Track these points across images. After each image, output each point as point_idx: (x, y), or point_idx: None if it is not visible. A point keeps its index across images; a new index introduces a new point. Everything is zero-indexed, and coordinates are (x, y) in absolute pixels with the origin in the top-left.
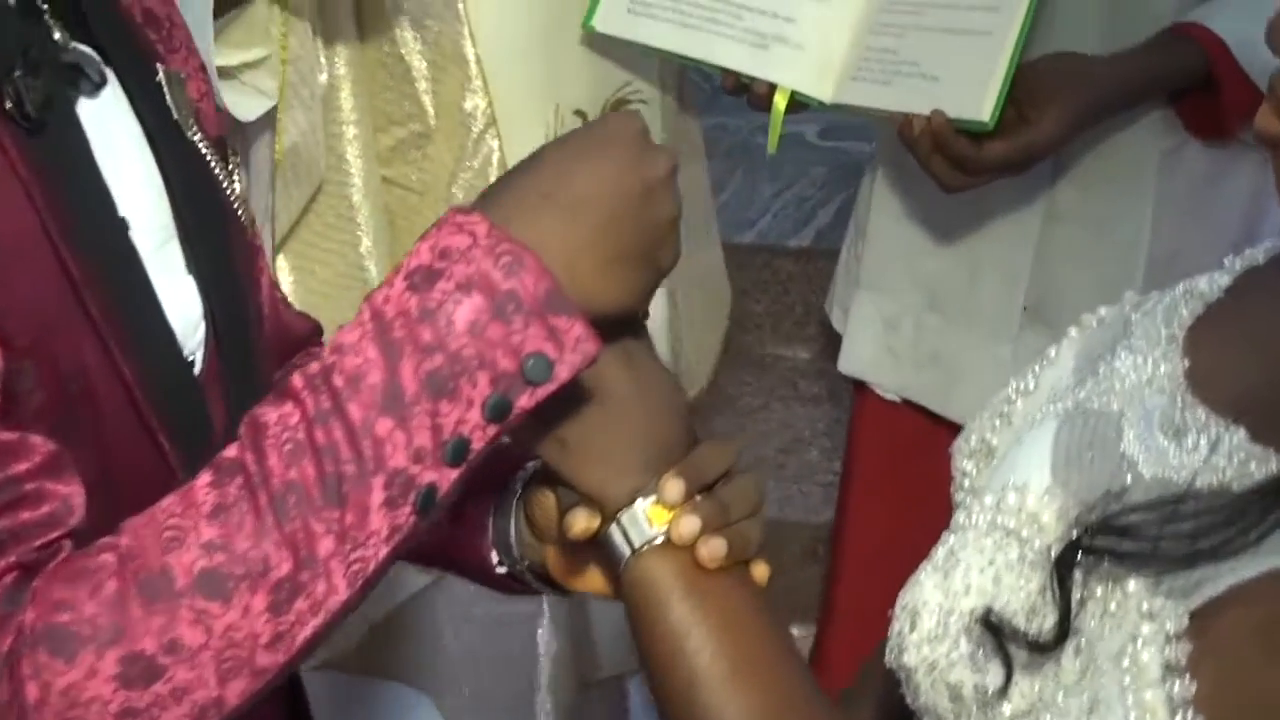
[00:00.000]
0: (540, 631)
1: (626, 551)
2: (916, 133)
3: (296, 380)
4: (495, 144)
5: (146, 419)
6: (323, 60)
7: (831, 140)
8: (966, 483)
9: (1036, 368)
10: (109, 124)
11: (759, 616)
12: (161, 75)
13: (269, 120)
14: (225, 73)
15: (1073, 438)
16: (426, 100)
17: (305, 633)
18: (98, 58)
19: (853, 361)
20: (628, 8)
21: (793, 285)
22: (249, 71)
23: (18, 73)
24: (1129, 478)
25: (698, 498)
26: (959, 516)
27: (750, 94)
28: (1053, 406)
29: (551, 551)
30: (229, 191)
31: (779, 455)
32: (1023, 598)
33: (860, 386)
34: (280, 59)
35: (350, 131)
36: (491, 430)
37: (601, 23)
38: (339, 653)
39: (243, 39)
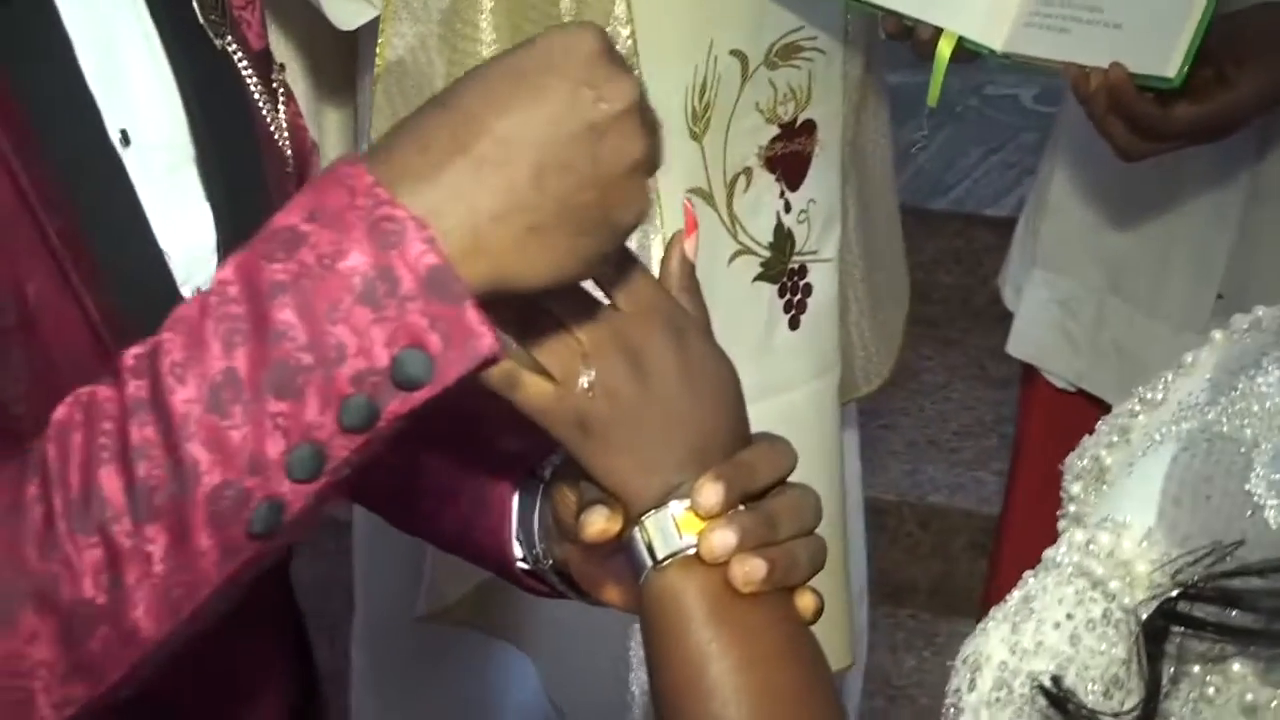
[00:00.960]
0: None
1: (648, 562)
2: (1093, 88)
3: (127, 357)
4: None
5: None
6: None
7: (1048, 105)
8: (1072, 508)
9: (1169, 375)
10: (109, 21)
11: (795, 658)
12: None
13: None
14: None
15: (1190, 469)
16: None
17: (117, 668)
18: None
19: (1024, 344)
20: None
21: (987, 258)
22: None
23: None
24: (1249, 528)
25: (741, 507)
26: (1047, 553)
27: (914, 39)
28: (1176, 427)
29: (574, 553)
30: (266, 113)
31: (954, 439)
32: (1102, 666)
33: (1031, 371)
34: None
35: (486, 53)
36: (354, 440)
37: None
38: (442, 605)
39: None
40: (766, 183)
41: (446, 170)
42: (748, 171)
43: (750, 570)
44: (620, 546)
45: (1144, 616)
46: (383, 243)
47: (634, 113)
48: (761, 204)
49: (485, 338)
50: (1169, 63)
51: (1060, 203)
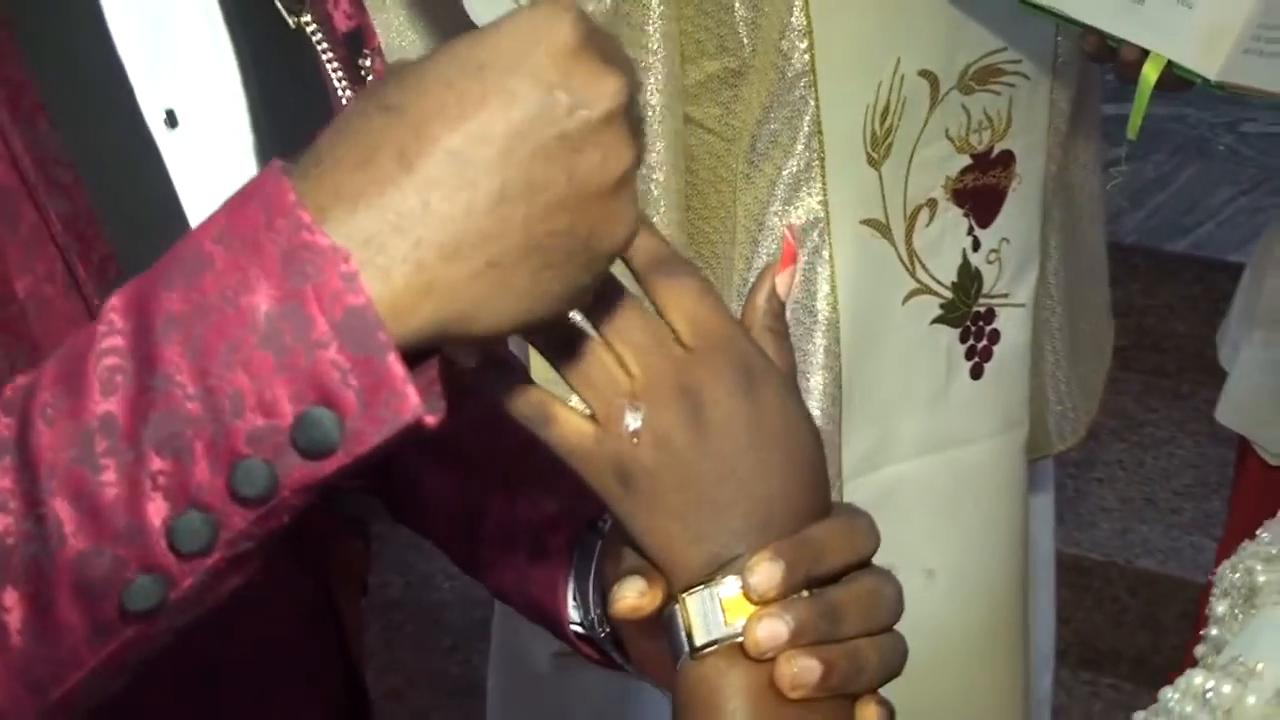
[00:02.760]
0: None
1: (685, 647)
2: None
3: (8, 387)
4: (811, 97)
5: None
6: None
7: None
8: (1214, 631)
9: None
10: None
11: None
12: None
13: None
14: None
15: None
16: (743, 32)
17: None
18: None
19: (1232, 411)
20: None
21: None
22: None
23: None
24: None
25: (804, 594)
26: (1164, 692)
27: (1118, 60)
28: None
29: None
30: (346, 99)
31: (1174, 499)
32: None
33: (1245, 442)
34: None
35: (652, 59)
36: (251, 512)
37: None
38: None
39: None
40: (953, 217)
41: (389, 192)
42: (931, 204)
43: (800, 672)
44: (661, 623)
45: None
46: (296, 276)
47: (619, 117)
48: (946, 240)
49: (409, 400)
50: None
51: None
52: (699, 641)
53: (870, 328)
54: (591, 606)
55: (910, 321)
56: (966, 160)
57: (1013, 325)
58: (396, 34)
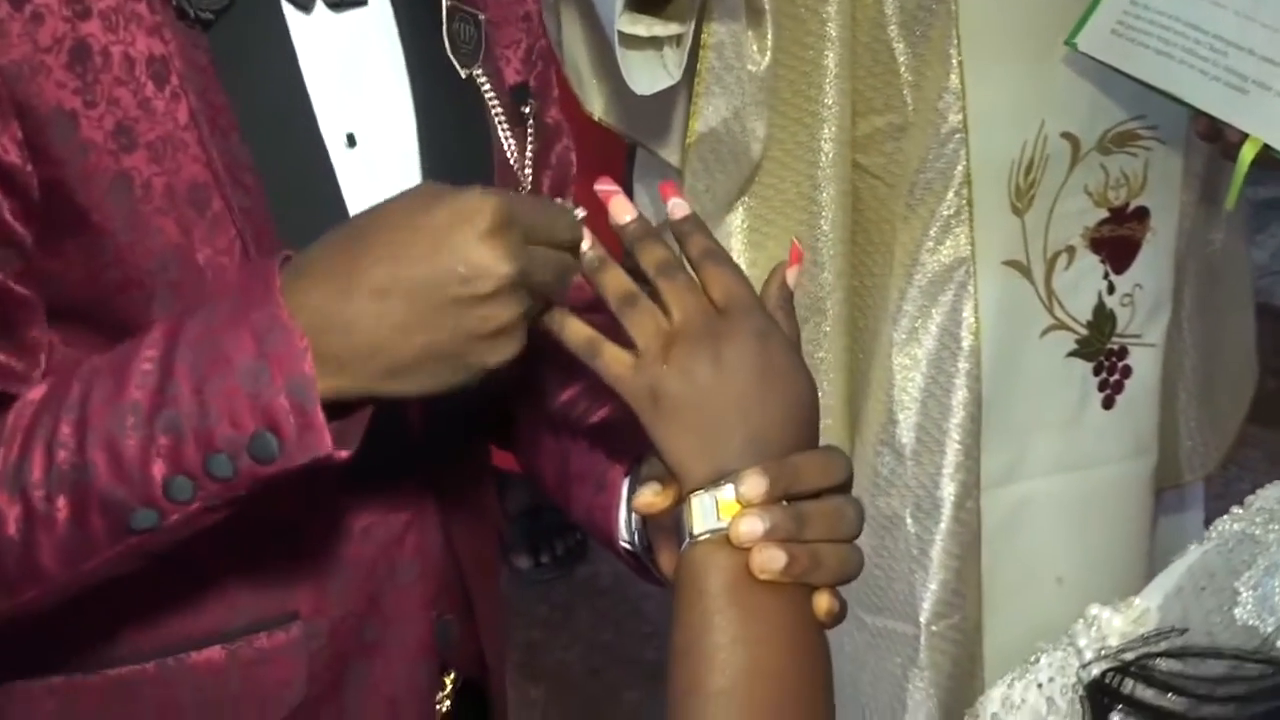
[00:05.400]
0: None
1: (688, 534)
2: None
3: (85, 365)
4: (962, 151)
5: None
6: (754, 49)
7: None
8: None
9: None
10: (361, 39)
11: (793, 648)
12: (445, 7)
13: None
14: (632, 41)
15: (1204, 561)
16: (907, 93)
17: (27, 590)
18: None
19: None
20: (1111, 29)
21: None
22: (662, 45)
23: None
24: (1219, 621)
25: (784, 504)
26: None
27: (1222, 141)
28: (1231, 526)
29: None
30: (507, 145)
31: None
32: None
33: None
34: (703, 42)
35: (827, 113)
36: (219, 485)
37: (1085, 42)
38: None
39: (671, 11)
40: (1090, 263)
41: (334, 305)
42: (1070, 250)
43: (767, 559)
44: (672, 521)
45: (1085, 680)
46: (268, 343)
47: (505, 291)
48: (1083, 283)
49: (326, 442)
50: None
51: None
52: (696, 530)
53: (1009, 356)
54: (634, 528)
55: (1047, 353)
56: (1104, 213)
57: (1144, 363)
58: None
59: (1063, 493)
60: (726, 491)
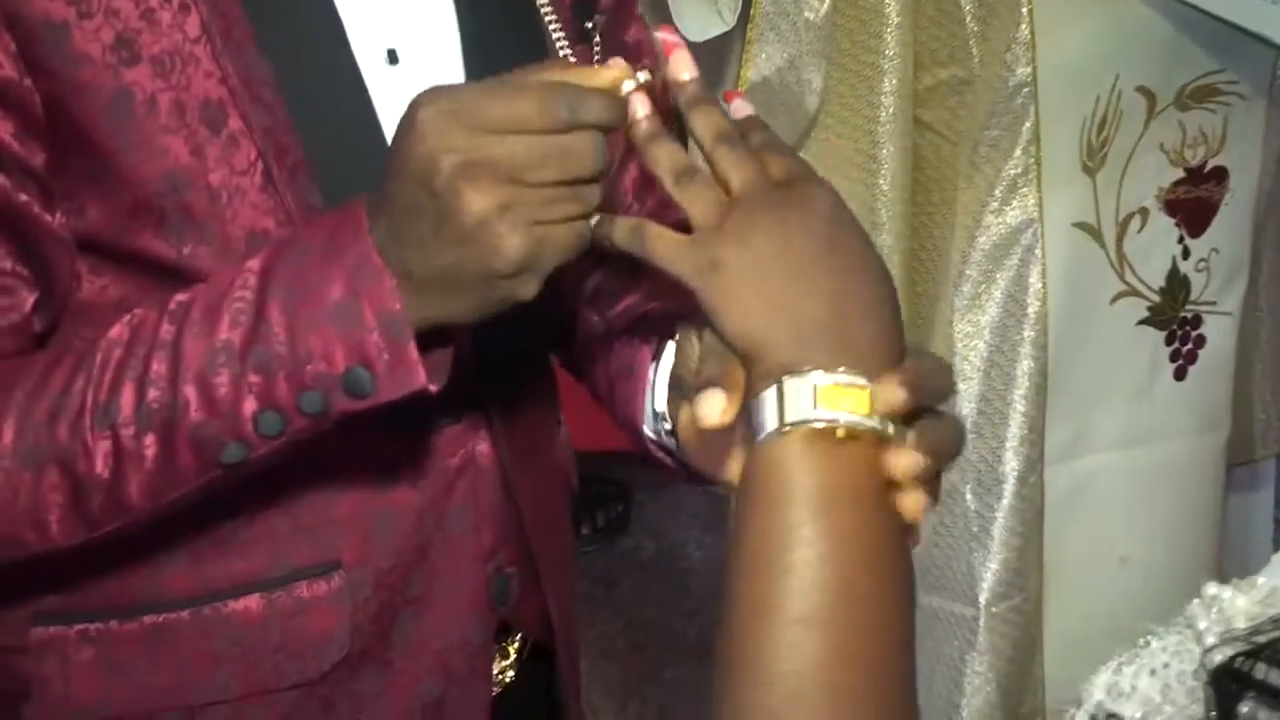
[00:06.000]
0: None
1: (772, 423)
2: None
3: (174, 300)
4: (1031, 107)
5: None
6: None
7: None
8: None
9: None
10: None
11: (884, 568)
12: None
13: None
14: None
15: None
16: (973, 45)
17: (110, 522)
18: None
19: None
20: None
21: None
22: None
23: None
24: None
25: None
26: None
27: None
28: None
29: (685, 416)
30: (564, 54)
31: None
32: None
33: None
34: None
35: (888, 65)
36: (309, 420)
37: None
38: None
39: None
40: (1164, 226)
41: (404, 248)
42: (1143, 212)
43: (915, 503)
44: (745, 410)
45: (1210, 666)
46: (359, 281)
47: (465, 170)
48: (1156, 247)
49: (419, 375)
50: None
51: None
52: (789, 419)
53: (1077, 323)
54: (659, 406)
55: (1117, 321)
56: (1180, 173)
57: (1219, 332)
58: None
59: (1129, 468)
60: (824, 378)
